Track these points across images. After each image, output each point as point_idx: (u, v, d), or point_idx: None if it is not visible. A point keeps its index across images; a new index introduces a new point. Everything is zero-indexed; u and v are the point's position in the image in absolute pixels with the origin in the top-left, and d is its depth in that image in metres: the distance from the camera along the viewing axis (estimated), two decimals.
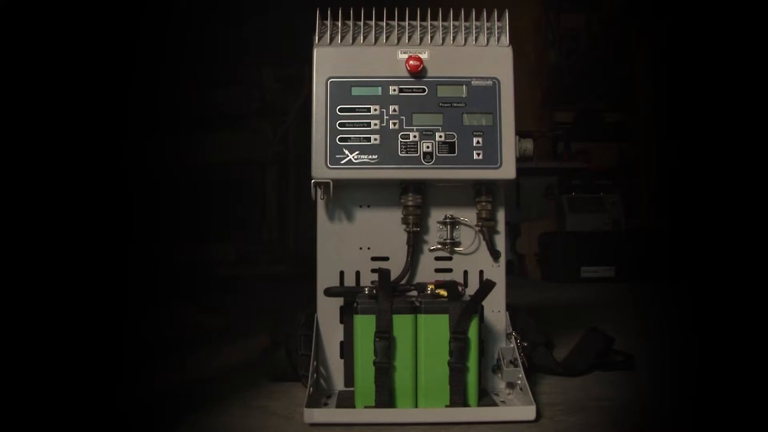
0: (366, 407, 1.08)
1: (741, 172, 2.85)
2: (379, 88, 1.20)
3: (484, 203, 1.24)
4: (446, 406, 1.09)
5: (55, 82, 1.31)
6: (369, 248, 1.26)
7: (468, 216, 1.26)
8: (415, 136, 1.18)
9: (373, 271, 1.24)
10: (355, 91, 1.19)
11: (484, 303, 1.17)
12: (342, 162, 1.18)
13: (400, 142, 1.18)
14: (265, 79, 4.97)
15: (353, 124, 1.19)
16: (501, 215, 1.27)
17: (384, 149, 1.18)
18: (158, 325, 1.93)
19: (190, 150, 4.09)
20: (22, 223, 1.27)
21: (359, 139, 1.18)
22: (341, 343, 1.24)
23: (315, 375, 1.19)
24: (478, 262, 1.27)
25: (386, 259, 1.26)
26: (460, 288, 1.17)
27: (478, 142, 1.19)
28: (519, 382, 1.16)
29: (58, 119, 1.32)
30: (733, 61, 3.00)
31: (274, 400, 1.20)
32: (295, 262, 4.42)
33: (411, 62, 1.19)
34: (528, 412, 1.07)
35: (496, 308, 1.25)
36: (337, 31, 1.23)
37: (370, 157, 1.18)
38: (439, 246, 1.27)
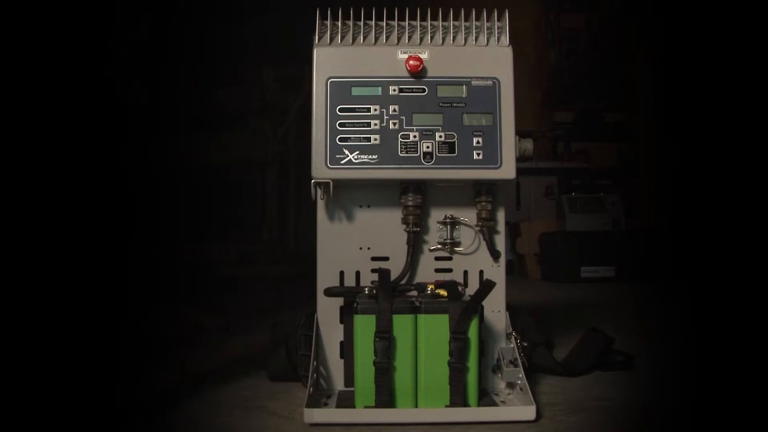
0: (366, 407, 1.08)
1: (741, 172, 2.85)
2: (379, 88, 1.20)
3: (484, 203, 1.24)
4: (446, 406, 1.09)
5: (55, 82, 1.31)
6: (369, 248, 1.26)
7: (468, 216, 1.26)
8: (415, 136, 1.18)
9: (373, 271, 1.24)
10: (355, 91, 1.19)
11: (484, 303, 1.17)
12: (342, 162, 1.18)
13: (400, 142, 1.18)
14: (265, 79, 4.97)
15: (353, 124, 1.19)
16: (501, 215, 1.27)
17: (384, 149, 1.18)
18: (158, 325, 1.93)
19: (190, 150, 4.09)
20: (23, 223, 1.27)
21: (359, 139, 1.18)
22: (341, 343, 1.24)
23: (315, 375, 1.19)
24: (478, 262, 1.27)
25: (386, 259, 1.26)
26: (460, 288, 1.17)
27: (478, 142, 1.19)
28: (519, 382, 1.16)
29: (58, 119, 1.32)
30: (733, 61, 3.00)
31: (274, 400, 1.20)
32: (295, 262, 4.42)
33: (411, 62, 1.19)
34: (528, 412, 1.07)
35: (496, 308, 1.25)
36: (337, 31, 1.23)
37: (370, 157, 1.18)
38: (439, 246, 1.27)
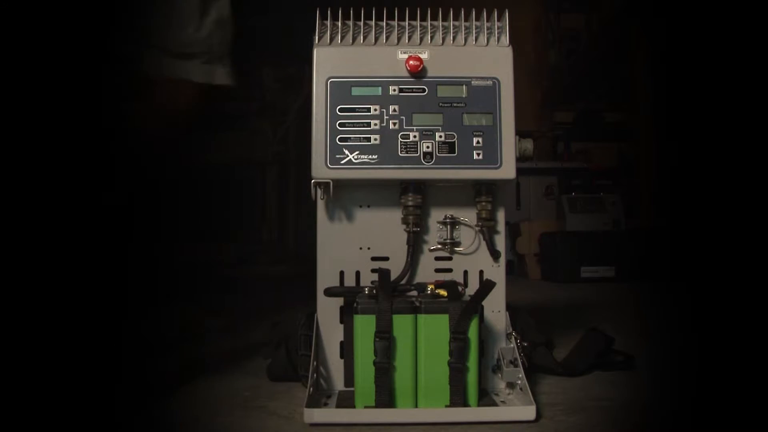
0: (366, 407, 1.08)
1: (741, 172, 2.85)
2: (379, 88, 1.20)
3: (484, 203, 1.24)
4: (446, 406, 1.09)
5: (55, 82, 1.31)
6: (369, 248, 1.26)
7: (468, 216, 1.26)
8: (415, 136, 1.19)
9: (373, 271, 1.24)
10: (355, 91, 1.20)
11: (484, 303, 1.17)
12: (342, 162, 1.18)
13: (400, 142, 1.18)
14: (265, 79, 4.97)
15: (353, 124, 1.19)
16: (501, 215, 1.27)
17: (384, 149, 1.18)
18: (158, 325, 1.93)
19: (190, 150, 4.09)
20: (22, 223, 1.27)
21: (359, 139, 1.18)
22: (341, 343, 1.25)
23: (315, 375, 1.19)
24: (478, 262, 1.27)
25: (386, 259, 1.26)
26: (460, 288, 1.17)
27: (478, 142, 1.19)
28: (519, 382, 1.16)
29: (58, 119, 1.32)
30: (733, 61, 3.00)
31: (274, 400, 1.20)
32: (295, 262, 4.42)
33: (411, 62, 1.19)
34: (528, 412, 1.07)
35: (496, 308, 1.25)
36: (337, 31, 1.23)
37: (370, 157, 1.18)
38: (439, 246, 1.27)
